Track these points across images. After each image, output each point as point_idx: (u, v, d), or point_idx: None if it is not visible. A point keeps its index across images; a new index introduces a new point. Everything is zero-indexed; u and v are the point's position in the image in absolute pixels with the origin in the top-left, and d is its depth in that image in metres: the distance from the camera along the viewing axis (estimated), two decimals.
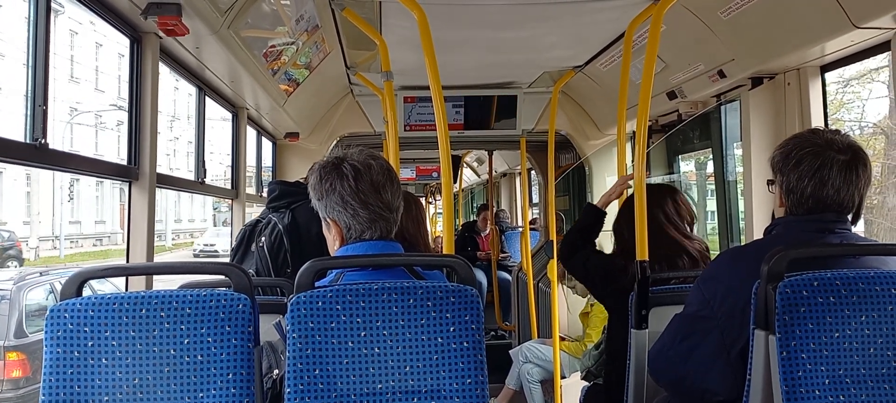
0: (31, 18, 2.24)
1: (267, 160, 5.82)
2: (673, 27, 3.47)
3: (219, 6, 2.79)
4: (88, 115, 29.38)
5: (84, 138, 28.84)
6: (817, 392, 1.68)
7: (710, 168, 4.90)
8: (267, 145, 5.69)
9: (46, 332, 1.65)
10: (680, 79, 3.93)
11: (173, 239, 35.59)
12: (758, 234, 3.40)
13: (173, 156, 34.77)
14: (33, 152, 2.25)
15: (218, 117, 4.79)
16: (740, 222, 4.19)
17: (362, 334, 1.64)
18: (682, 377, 2.06)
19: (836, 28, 2.69)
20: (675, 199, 2.96)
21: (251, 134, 5.12)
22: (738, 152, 4.07)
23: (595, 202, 3.18)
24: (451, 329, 1.65)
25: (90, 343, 1.64)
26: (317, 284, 1.73)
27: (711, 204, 5.02)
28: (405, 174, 13.09)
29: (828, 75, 3.32)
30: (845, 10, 2.58)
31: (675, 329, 2.11)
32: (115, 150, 24.73)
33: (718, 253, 3.28)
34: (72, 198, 30.37)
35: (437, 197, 14.38)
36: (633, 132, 4.69)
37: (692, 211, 3.00)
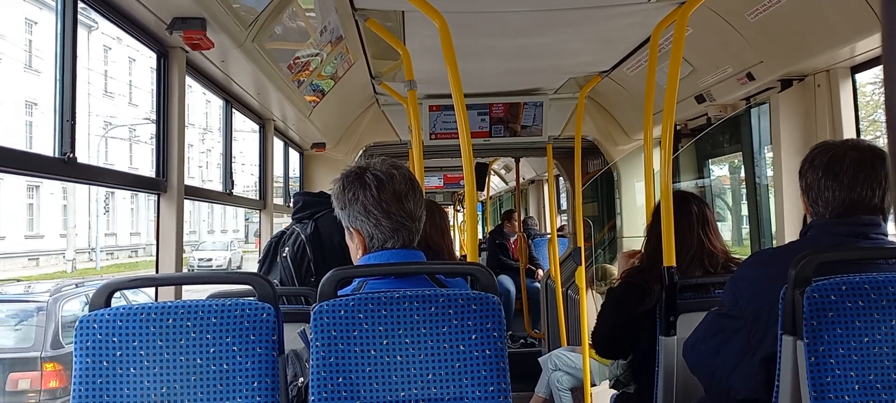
0: (58, 33, 2.28)
1: (294, 171, 5.87)
2: (699, 30, 3.43)
3: (243, 20, 2.82)
4: (122, 129, 29.98)
5: (118, 152, 29.43)
6: (847, 397, 1.64)
7: (741, 172, 4.83)
8: (294, 156, 5.74)
9: (76, 342, 1.69)
10: (708, 83, 3.89)
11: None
12: (789, 238, 3.34)
13: (206, 169, 35.31)
14: (61, 166, 2.29)
15: (248, 129, 4.85)
16: (772, 226, 4.12)
17: (385, 342, 1.64)
18: (713, 371, 2.10)
19: (866, 28, 2.64)
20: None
21: (278, 145, 5.17)
22: (769, 155, 4.00)
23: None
24: (473, 336, 1.65)
25: (118, 353, 1.66)
26: (340, 293, 1.74)
27: (744, 209, 4.94)
28: (433, 182, 13.09)
29: (864, 75, 3.24)
30: (874, 10, 2.53)
31: (708, 324, 2.15)
32: (149, 163, 25.20)
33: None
34: (107, 211, 31.00)
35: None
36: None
37: None
